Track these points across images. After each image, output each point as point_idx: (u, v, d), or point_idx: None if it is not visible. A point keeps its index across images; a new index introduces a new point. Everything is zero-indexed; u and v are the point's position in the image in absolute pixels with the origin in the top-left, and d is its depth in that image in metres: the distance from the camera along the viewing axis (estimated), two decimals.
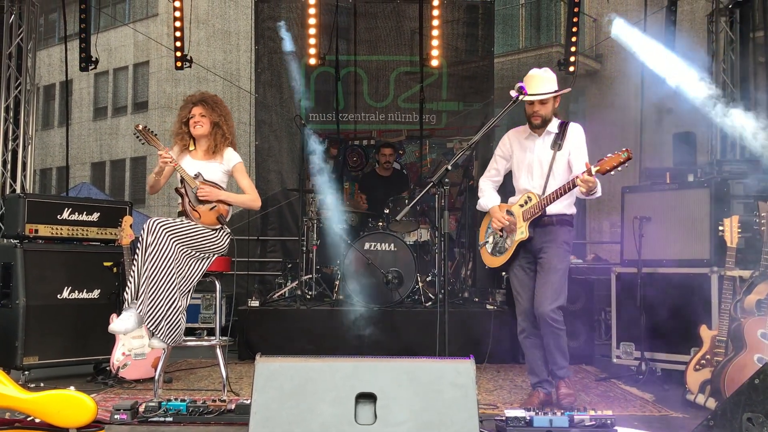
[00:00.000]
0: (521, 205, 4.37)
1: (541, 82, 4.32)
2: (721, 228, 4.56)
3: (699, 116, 6.20)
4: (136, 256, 4.20)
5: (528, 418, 3.51)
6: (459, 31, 9.36)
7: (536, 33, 15.12)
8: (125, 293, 4.23)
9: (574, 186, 4.11)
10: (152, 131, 4.58)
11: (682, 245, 5.43)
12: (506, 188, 4.74)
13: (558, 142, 4.38)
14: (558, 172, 4.38)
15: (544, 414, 3.52)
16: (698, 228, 5.36)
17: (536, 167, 4.42)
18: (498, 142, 4.82)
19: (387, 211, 7.03)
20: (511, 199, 4.54)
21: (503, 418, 3.57)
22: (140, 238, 4.20)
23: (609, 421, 3.48)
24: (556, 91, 4.34)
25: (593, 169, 4.03)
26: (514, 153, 4.55)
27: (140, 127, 4.55)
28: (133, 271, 4.18)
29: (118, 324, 4.14)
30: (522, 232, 4.32)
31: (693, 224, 5.39)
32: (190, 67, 8.75)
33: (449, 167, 3.95)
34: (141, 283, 4.13)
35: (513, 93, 4.14)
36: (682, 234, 5.44)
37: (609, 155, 4.04)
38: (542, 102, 4.33)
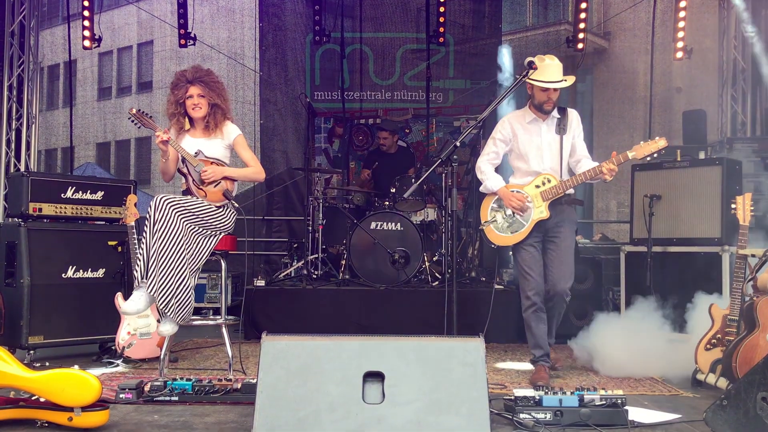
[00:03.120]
0: (537, 186, 4.58)
1: (557, 69, 4.51)
2: (733, 206, 4.50)
3: (709, 94, 6.13)
4: (143, 234, 4.15)
5: (537, 397, 3.46)
6: (466, 7, 9.25)
7: (544, 10, 14.94)
8: (134, 272, 4.18)
9: (596, 174, 4.39)
10: (147, 114, 4.49)
11: (693, 223, 5.37)
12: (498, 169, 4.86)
13: (562, 127, 4.63)
14: (566, 156, 4.65)
15: (553, 393, 3.48)
16: (709, 206, 5.29)
17: (546, 150, 4.63)
18: None
19: (393, 190, 6.97)
20: (516, 180, 4.73)
21: (512, 397, 3.52)
22: (147, 216, 4.15)
23: (619, 401, 3.44)
24: (564, 80, 4.53)
25: (630, 154, 4.35)
26: (518, 137, 4.69)
27: (134, 111, 4.47)
28: (141, 250, 4.14)
29: (129, 305, 4.10)
30: (542, 212, 4.54)
31: (704, 202, 5.32)
32: (194, 45, 8.66)
33: (458, 144, 3.93)
34: (150, 262, 4.09)
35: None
36: (692, 212, 5.38)
37: (643, 142, 4.42)
38: (556, 89, 4.54)
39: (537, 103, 4.60)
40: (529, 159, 4.65)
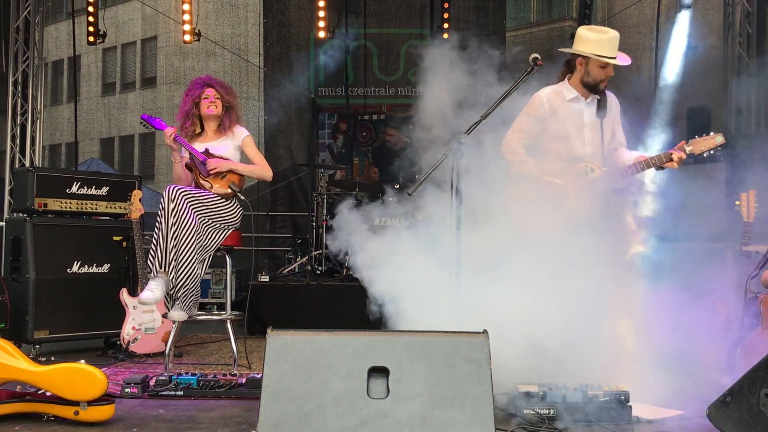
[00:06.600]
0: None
1: (616, 44, 3.97)
2: (737, 202, 4.49)
3: (713, 91, 6.11)
4: (158, 224, 4.19)
5: (541, 393, 3.47)
6: (470, 3, 9.24)
7: (548, 6, 14.93)
8: (149, 263, 4.23)
9: (661, 163, 3.99)
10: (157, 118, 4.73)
11: (697, 220, 5.36)
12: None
13: (603, 110, 4.12)
14: (607, 141, 4.15)
15: (557, 389, 3.48)
16: (713, 202, 5.29)
17: (588, 134, 4.13)
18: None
19: (397, 186, 6.96)
20: (549, 165, 4.12)
21: (516, 392, 3.53)
22: (161, 205, 4.20)
23: (623, 397, 3.44)
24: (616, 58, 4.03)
25: (687, 148, 4.00)
26: (557, 115, 4.12)
27: (146, 116, 4.72)
28: (156, 240, 4.19)
29: (146, 294, 4.15)
30: None
31: (708, 198, 5.31)
32: (198, 40, 8.67)
33: (462, 140, 3.89)
34: (168, 251, 4.15)
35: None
36: (696, 208, 5.37)
37: (698, 137, 4.02)
38: (614, 67, 4.02)
39: (592, 80, 4.04)
40: (570, 141, 4.11)
